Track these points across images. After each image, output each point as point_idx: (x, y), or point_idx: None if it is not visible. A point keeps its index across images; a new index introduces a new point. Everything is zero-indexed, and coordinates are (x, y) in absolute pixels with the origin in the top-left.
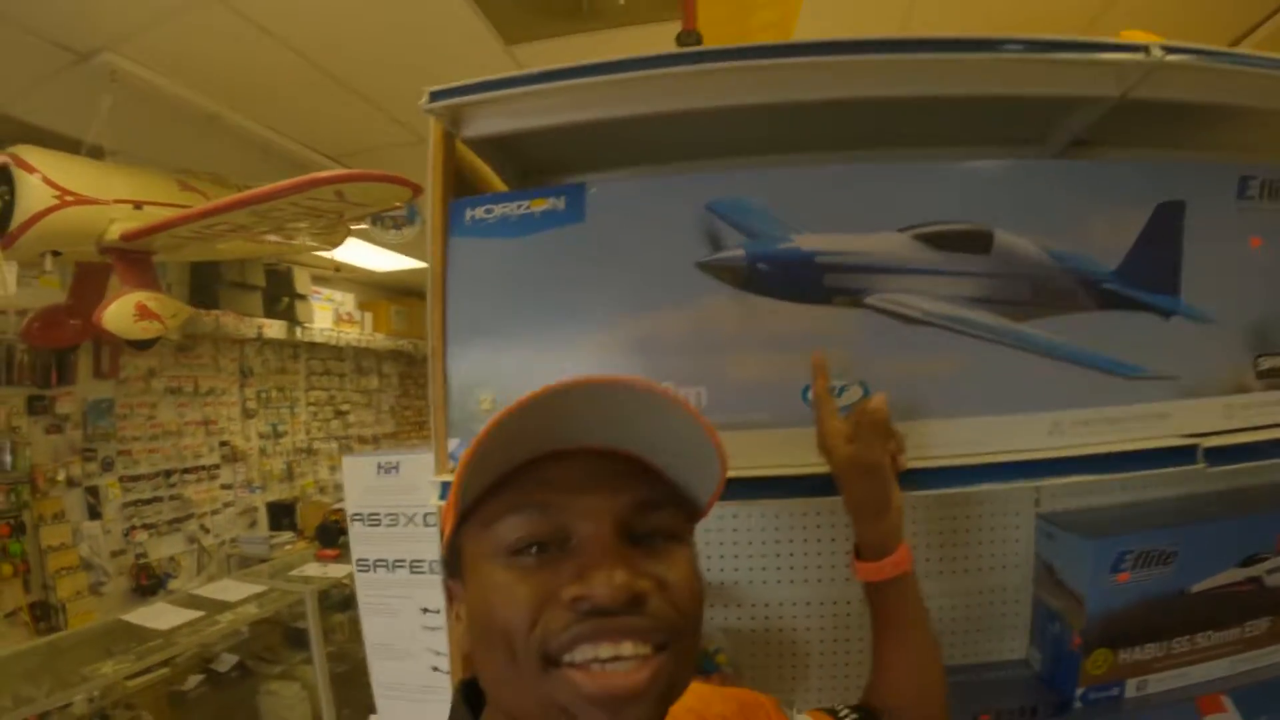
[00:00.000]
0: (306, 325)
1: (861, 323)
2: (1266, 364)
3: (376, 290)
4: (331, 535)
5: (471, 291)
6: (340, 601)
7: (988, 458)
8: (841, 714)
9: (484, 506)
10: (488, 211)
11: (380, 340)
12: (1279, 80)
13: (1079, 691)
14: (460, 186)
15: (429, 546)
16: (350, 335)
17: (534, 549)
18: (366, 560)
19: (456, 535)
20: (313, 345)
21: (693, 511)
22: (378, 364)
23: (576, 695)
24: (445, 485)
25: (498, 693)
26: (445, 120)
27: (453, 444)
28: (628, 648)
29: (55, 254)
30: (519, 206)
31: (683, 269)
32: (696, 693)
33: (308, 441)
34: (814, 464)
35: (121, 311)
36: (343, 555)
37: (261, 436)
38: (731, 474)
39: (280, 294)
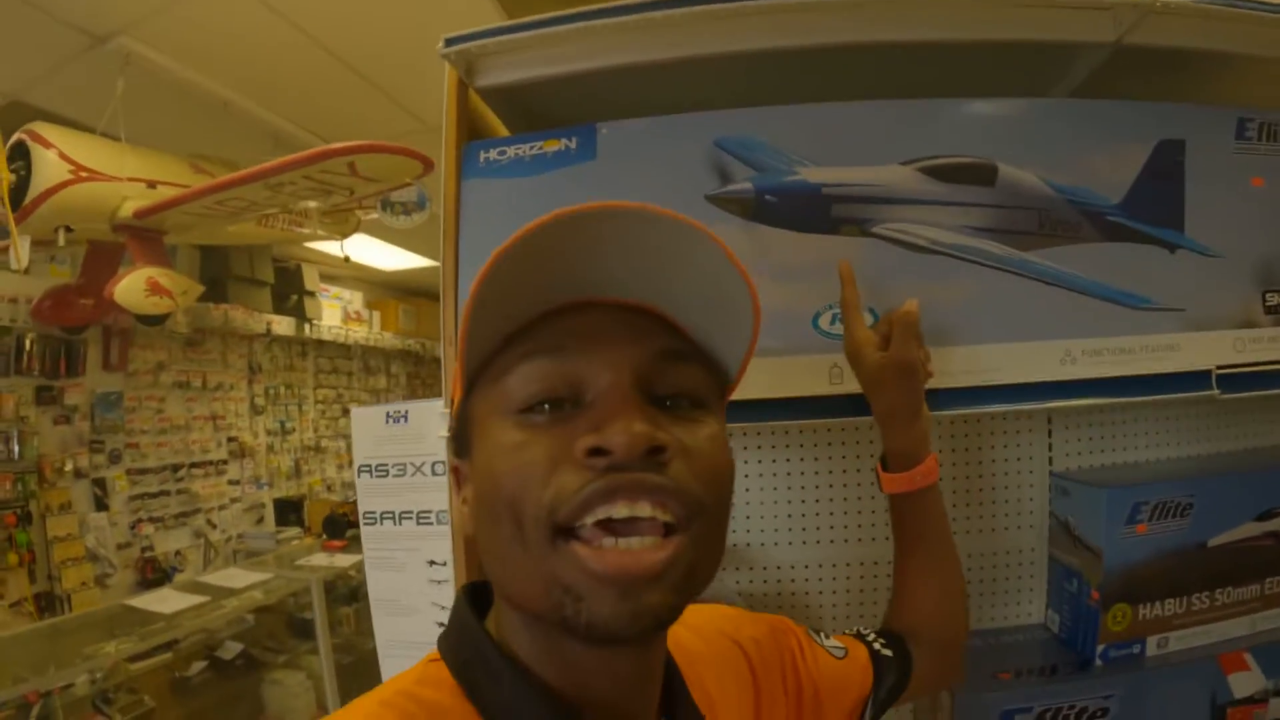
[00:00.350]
0: (315, 322)
1: (869, 251)
2: (1275, 299)
3: (384, 289)
4: (339, 528)
5: (483, 229)
6: (347, 594)
7: (1000, 380)
8: (869, 638)
9: (494, 362)
10: (500, 153)
11: (388, 339)
12: (1276, 24)
13: (1099, 649)
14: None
15: (437, 496)
16: (358, 333)
17: (546, 406)
18: (373, 513)
19: (465, 403)
20: (321, 343)
21: (723, 381)
22: (386, 363)
23: (584, 573)
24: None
25: (502, 574)
26: (459, 68)
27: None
28: (645, 508)
29: (68, 230)
30: (531, 148)
31: (692, 202)
32: (727, 615)
33: (316, 439)
34: (826, 388)
35: (133, 286)
36: (350, 547)
37: (269, 433)
38: (744, 396)
39: (289, 291)
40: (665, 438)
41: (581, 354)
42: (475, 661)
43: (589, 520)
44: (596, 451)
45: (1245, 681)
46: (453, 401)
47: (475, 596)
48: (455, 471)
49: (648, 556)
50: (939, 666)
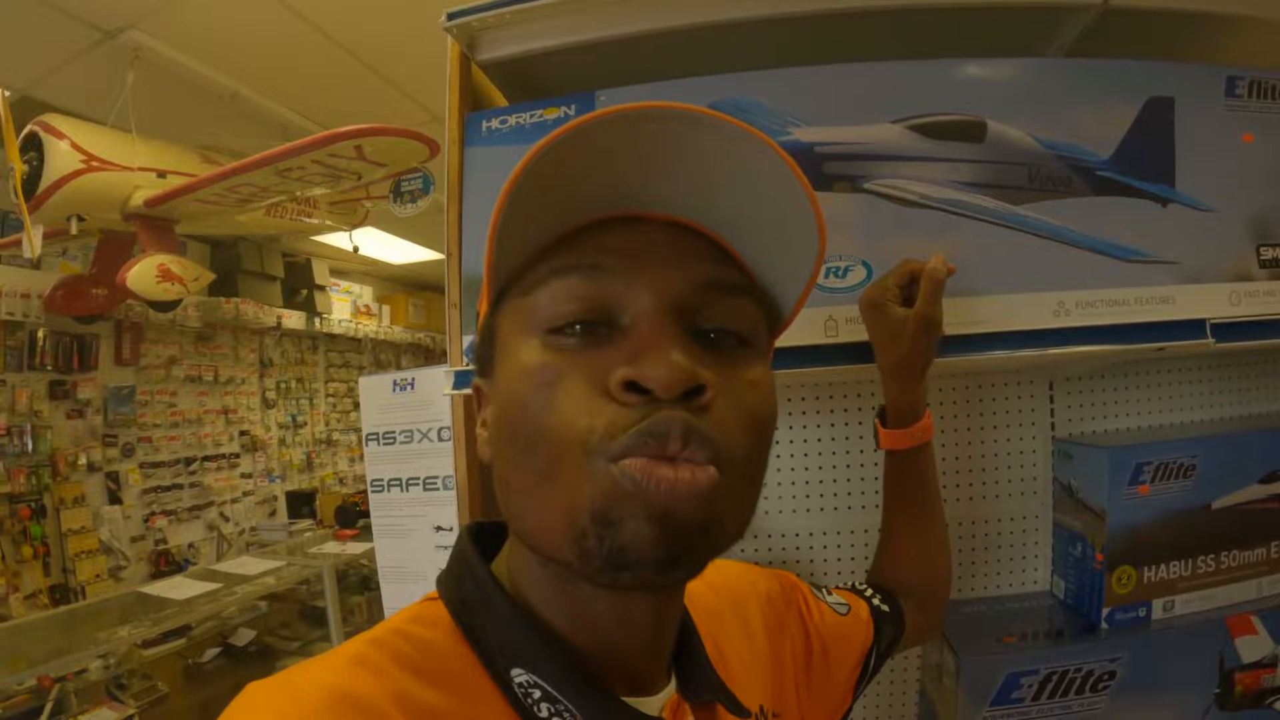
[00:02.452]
0: (325, 316)
1: (862, 206)
2: (1269, 254)
3: (394, 283)
4: (350, 517)
5: (487, 195)
6: (358, 583)
7: (998, 328)
8: (867, 593)
9: (524, 275)
10: (502, 122)
11: (398, 333)
12: None
13: (1105, 612)
14: None
15: (443, 462)
16: (368, 327)
17: (578, 327)
18: (381, 480)
19: (491, 318)
20: (331, 337)
21: (774, 319)
22: (396, 357)
23: (621, 493)
24: (460, 374)
25: (520, 505)
26: (461, 42)
27: (467, 340)
28: (678, 448)
29: (80, 219)
30: (532, 116)
31: None
32: (740, 570)
33: (327, 433)
34: (822, 339)
35: (144, 272)
36: (362, 535)
37: (281, 427)
38: None
39: (299, 285)
40: (707, 376)
41: (621, 275)
42: (476, 600)
43: (618, 455)
44: (631, 385)
45: (1253, 645)
46: (479, 316)
47: (479, 537)
48: (476, 391)
49: (693, 474)
50: (924, 621)
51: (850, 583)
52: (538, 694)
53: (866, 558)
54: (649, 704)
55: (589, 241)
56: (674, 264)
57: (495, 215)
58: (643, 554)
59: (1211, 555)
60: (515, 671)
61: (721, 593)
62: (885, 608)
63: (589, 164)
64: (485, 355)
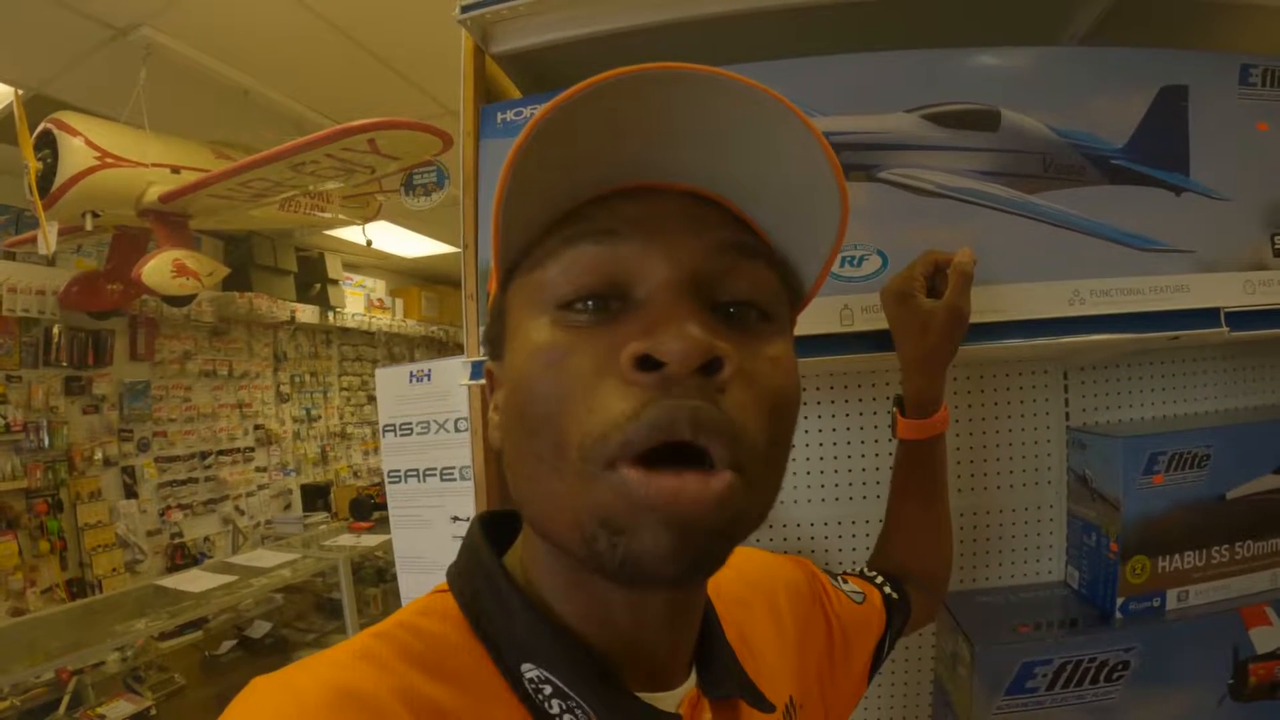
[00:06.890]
0: (339, 310)
1: (877, 196)
2: None
3: (407, 277)
4: (365, 509)
5: None
6: (373, 575)
7: (1013, 316)
8: (876, 580)
9: (536, 248)
10: (517, 114)
11: (412, 326)
12: None
13: (1119, 602)
14: None
15: (460, 453)
16: (382, 321)
17: (590, 302)
18: (398, 471)
19: (501, 298)
20: (345, 330)
21: (795, 294)
22: (410, 350)
23: (628, 501)
24: (477, 364)
25: (529, 494)
26: (475, 35)
27: (483, 330)
28: (688, 439)
29: (95, 215)
30: None
31: None
32: (766, 559)
33: (341, 426)
34: (837, 327)
35: (160, 267)
36: (376, 528)
37: (295, 420)
38: None
39: (312, 279)
40: (725, 349)
41: (635, 242)
42: (485, 593)
43: (633, 442)
44: (645, 360)
45: (1267, 636)
46: (489, 296)
47: (492, 528)
48: (489, 375)
49: (703, 484)
50: (926, 604)
51: (859, 569)
52: (548, 690)
53: None
54: (665, 699)
55: (602, 209)
56: (690, 232)
57: (501, 185)
58: (658, 567)
59: (1226, 546)
60: (525, 667)
61: (751, 581)
62: (895, 595)
63: (600, 130)
64: (496, 336)
